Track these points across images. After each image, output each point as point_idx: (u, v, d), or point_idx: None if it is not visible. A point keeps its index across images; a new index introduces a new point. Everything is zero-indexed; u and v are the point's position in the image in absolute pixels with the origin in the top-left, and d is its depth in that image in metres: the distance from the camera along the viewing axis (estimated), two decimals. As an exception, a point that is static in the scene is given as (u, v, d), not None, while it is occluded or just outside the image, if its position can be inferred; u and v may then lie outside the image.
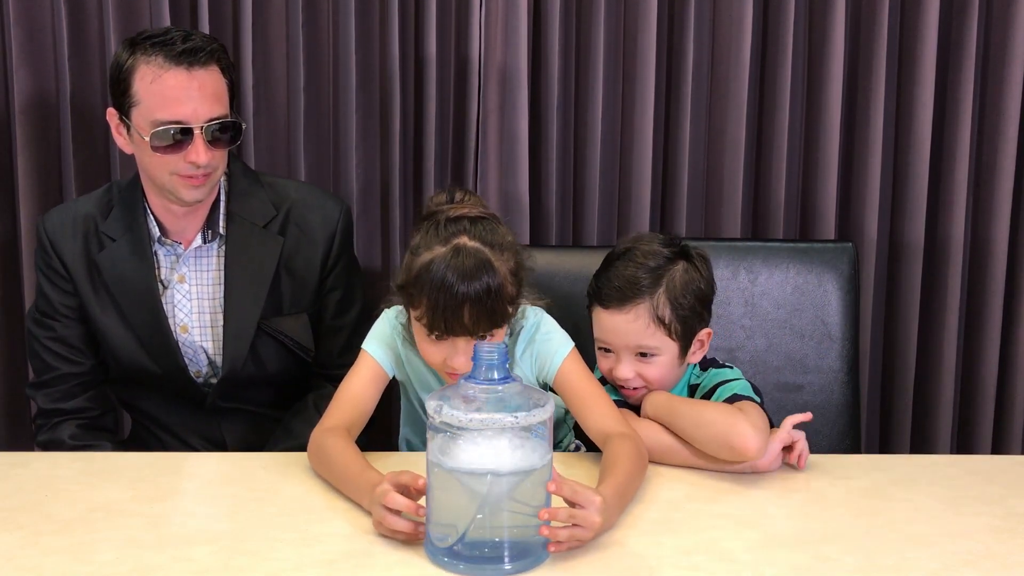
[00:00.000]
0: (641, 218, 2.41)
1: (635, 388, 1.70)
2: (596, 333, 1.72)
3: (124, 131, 1.80)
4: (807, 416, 1.65)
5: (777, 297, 2.11)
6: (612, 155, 2.42)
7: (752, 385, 1.70)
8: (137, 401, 2.00)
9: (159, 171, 1.78)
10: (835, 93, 2.38)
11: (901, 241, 2.47)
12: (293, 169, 2.37)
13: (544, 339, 1.68)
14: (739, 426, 1.56)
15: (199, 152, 1.74)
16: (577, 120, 2.41)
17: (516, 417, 1.26)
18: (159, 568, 1.31)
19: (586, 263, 2.13)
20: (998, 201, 2.44)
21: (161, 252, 1.89)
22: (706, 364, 1.77)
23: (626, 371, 1.68)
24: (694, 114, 2.40)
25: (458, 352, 1.55)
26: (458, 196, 1.62)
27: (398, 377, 1.73)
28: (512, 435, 1.27)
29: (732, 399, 1.65)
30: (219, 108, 1.77)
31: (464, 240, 1.54)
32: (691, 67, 2.38)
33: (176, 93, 1.73)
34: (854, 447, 2.14)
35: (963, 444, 2.54)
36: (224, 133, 1.78)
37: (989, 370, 2.50)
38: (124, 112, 1.78)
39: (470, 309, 1.51)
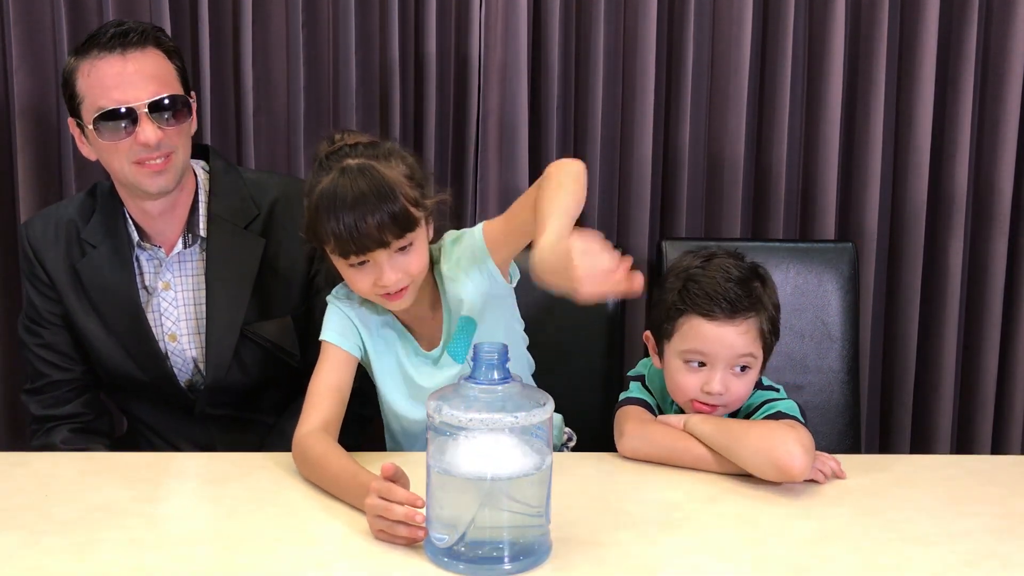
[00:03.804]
0: (641, 218, 2.41)
1: (714, 405, 1.65)
2: (691, 344, 1.63)
3: (83, 137, 1.78)
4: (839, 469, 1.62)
5: (777, 297, 2.11)
6: (612, 155, 2.42)
7: (799, 406, 1.67)
8: (128, 405, 1.98)
9: (118, 163, 1.75)
10: (835, 93, 2.38)
11: (901, 241, 2.47)
12: (293, 169, 2.37)
13: (463, 243, 1.68)
14: (788, 444, 1.52)
15: (147, 132, 1.70)
16: (577, 119, 2.41)
17: (516, 417, 1.26)
18: (159, 568, 1.31)
19: (586, 263, 2.13)
20: (998, 200, 2.45)
21: (143, 258, 1.86)
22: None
23: (720, 385, 1.63)
24: (694, 114, 2.40)
25: (383, 268, 1.55)
26: (337, 136, 1.62)
27: (364, 365, 1.71)
28: (512, 435, 1.27)
29: (776, 416, 1.62)
30: (162, 88, 1.73)
31: (347, 162, 1.55)
32: (691, 67, 2.38)
33: (113, 80, 1.70)
34: (854, 447, 2.14)
35: (963, 444, 2.54)
36: (172, 110, 1.74)
37: (989, 370, 2.50)
38: (76, 115, 1.76)
39: (371, 214, 1.51)
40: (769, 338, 1.65)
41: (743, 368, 1.64)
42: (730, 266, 1.65)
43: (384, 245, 1.53)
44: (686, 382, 1.65)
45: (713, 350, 1.63)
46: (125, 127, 1.71)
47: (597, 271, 1.30)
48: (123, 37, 1.70)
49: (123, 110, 1.70)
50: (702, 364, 1.64)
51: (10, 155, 2.31)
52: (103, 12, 2.26)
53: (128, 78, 1.70)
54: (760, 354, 1.65)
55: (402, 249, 1.56)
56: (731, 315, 1.61)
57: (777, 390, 1.72)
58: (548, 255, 1.36)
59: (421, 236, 1.60)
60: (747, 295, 1.63)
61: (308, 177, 1.61)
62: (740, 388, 1.65)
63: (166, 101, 1.73)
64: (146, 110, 1.71)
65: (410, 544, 1.34)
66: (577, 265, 1.30)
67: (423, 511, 1.31)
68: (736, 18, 2.36)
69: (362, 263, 1.56)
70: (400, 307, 1.63)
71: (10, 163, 2.32)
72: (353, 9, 2.30)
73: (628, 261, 1.32)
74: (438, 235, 1.70)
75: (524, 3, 2.29)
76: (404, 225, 1.54)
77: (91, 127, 1.72)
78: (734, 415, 1.70)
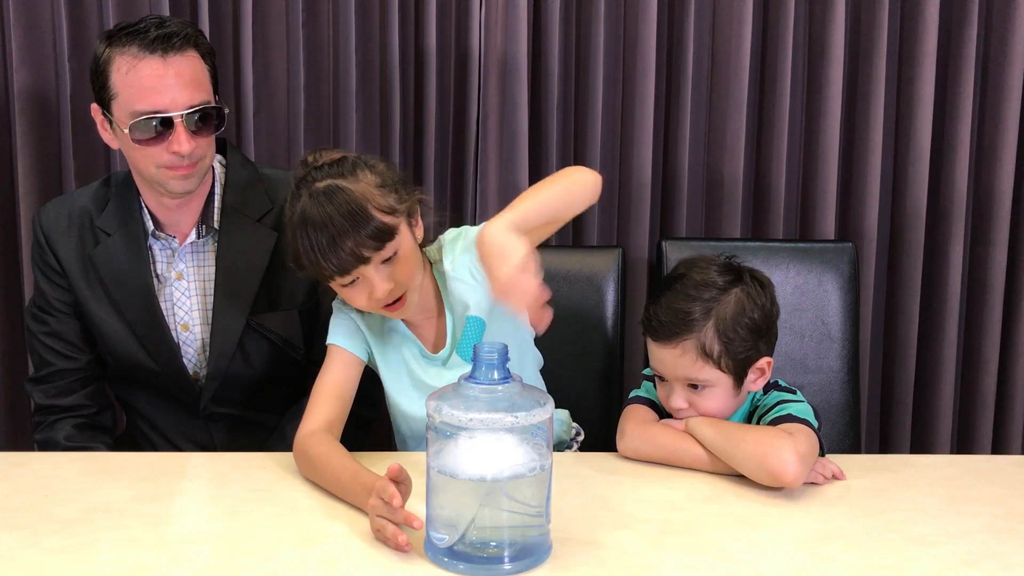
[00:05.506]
0: (641, 218, 2.41)
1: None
2: (650, 362, 1.69)
3: (108, 126, 1.78)
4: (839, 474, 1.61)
5: (777, 297, 2.11)
6: (612, 154, 2.42)
7: (814, 410, 1.64)
8: (132, 399, 1.98)
9: (144, 164, 1.76)
10: (835, 93, 2.38)
11: (901, 241, 2.47)
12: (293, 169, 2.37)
13: (465, 241, 1.67)
14: (782, 451, 1.51)
15: (181, 142, 1.71)
16: (577, 119, 2.41)
17: (516, 417, 1.26)
18: (159, 568, 1.30)
19: (586, 263, 2.14)
20: (998, 201, 2.45)
21: (156, 247, 1.87)
22: (768, 387, 1.70)
23: (679, 402, 1.64)
24: (694, 114, 2.40)
25: (374, 282, 1.54)
26: (310, 159, 1.61)
27: (371, 365, 1.72)
28: (512, 435, 1.27)
29: (785, 419, 1.60)
30: (199, 95, 1.74)
31: (314, 186, 1.54)
32: (691, 67, 2.38)
33: (152, 82, 1.70)
34: (854, 447, 2.14)
35: (963, 444, 2.55)
36: (206, 120, 1.75)
37: (989, 370, 2.51)
38: (105, 106, 1.76)
39: (344, 236, 1.50)
40: (723, 358, 1.60)
41: (695, 386, 1.63)
42: (688, 284, 1.63)
43: (364, 261, 1.53)
44: (659, 393, 1.70)
45: (661, 369, 1.66)
46: (159, 132, 1.72)
47: (518, 287, 1.36)
48: (167, 41, 1.70)
49: (160, 116, 1.71)
50: (663, 378, 1.67)
51: (10, 154, 2.32)
52: (103, 12, 2.26)
53: (169, 82, 1.70)
54: (714, 373, 1.61)
55: (387, 260, 1.55)
56: (667, 338, 1.62)
57: (794, 392, 1.69)
58: (486, 240, 1.40)
59: (406, 241, 1.58)
60: (680, 318, 1.60)
61: (286, 208, 1.60)
62: (706, 404, 1.63)
63: (205, 111, 1.74)
64: (182, 119, 1.71)
65: (400, 550, 1.32)
66: (505, 272, 1.36)
67: (421, 518, 1.31)
68: (736, 18, 2.36)
69: (352, 282, 1.56)
70: (403, 316, 1.64)
71: (10, 162, 2.32)
72: (353, 9, 2.30)
73: (547, 295, 1.37)
74: (437, 234, 1.70)
75: (524, 3, 2.29)
76: (380, 237, 1.52)
77: (124, 130, 1.72)
78: (751, 414, 1.69)
